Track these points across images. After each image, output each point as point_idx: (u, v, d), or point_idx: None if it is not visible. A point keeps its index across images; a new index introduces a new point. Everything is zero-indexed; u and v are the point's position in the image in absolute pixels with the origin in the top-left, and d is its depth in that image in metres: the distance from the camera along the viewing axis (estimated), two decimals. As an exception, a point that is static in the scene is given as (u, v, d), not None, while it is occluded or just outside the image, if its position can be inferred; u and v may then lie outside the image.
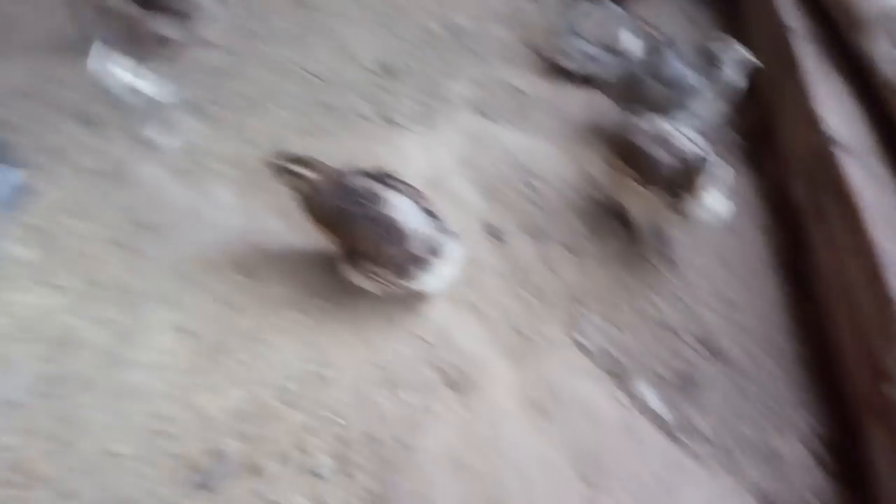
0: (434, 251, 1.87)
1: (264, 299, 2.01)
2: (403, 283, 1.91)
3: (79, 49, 2.80)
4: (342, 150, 2.52)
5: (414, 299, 2.03)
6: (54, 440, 1.67)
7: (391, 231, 1.86)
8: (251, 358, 1.87)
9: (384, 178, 1.95)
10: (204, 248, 2.15)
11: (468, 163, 2.58)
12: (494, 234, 2.32)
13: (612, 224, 2.37)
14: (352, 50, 3.07)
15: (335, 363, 1.89)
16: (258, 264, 2.12)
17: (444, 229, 1.91)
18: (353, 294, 2.00)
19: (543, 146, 2.65)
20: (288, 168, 1.98)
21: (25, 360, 1.81)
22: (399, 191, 1.92)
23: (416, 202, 1.92)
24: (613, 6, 2.78)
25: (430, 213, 1.92)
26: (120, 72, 1.75)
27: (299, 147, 2.44)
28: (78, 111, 2.66)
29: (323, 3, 3.37)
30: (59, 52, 2.97)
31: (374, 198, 1.89)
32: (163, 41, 2.86)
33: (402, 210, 1.87)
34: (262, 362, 1.87)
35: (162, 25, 2.84)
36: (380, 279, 1.92)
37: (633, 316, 2.11)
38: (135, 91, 2.18)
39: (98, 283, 2.03)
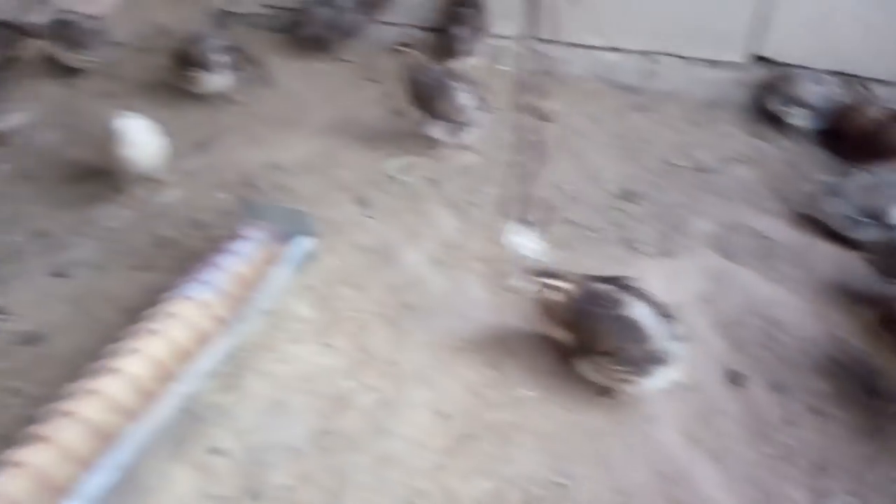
0: (666, 352, 2.03)
1: (511, 396, 2.14)
2: (638, 379, 2.04)
3: (359, 135, 3.21)
4: (583, 266, 2.64)
5: (649, 423, 2.07)
6: (325, 491, 1.86)
7: (631, 330, 2.03)
8: (498, 451, 1.99)
9: (623, 283, 2.15)
10: (457, 336, 2.33)
11: (707, 300, 2.60)
12: (734, 378, 2.31)
13: (860, 390, 2.28)
14: (594, 171, 3.24)
15: (576, 477, 1.95)
16: (504, 360, 2.26)
17: (677, 332, 2.07)
18: (592, 403, 2.09)
19: (787, 297, 2.62)
20: (542, 282, 2.15)
21: (304, 411, 2.04)
22: (637, 295, 2.12)
23: (653, 306, 2.08)
24: (888, 175, 2.76)
25: (664, 316, 2.09)
26: (529, 244, 2.14)
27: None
28: (356, 192, 3.02)
29: (567, 120, 3.60)
30: (343, 135, 3.42)
31: (616, 300, 2.08)
32: (433, 142, 3.22)
33: (641, 312, 2.06)
34: (508, 459, 1.97)
35: (436, 130, 3.20)
36: (615, 377, 2.06)
37: (885, 497, 2.00)
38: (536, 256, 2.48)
39: (367, 350, 2.25)
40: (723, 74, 3.80)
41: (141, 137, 2.72)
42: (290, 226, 2.51)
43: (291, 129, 3.47)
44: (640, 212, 3.00)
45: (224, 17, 4.44)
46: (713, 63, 3.80)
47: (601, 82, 3.98)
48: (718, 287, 2.66)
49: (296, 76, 3.95)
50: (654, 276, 2.66)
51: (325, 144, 3.35)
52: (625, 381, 2.07)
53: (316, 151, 3.31)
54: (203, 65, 3.36)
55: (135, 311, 2.34)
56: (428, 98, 3.18)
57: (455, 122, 3.16)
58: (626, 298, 2.09)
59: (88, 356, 2.17)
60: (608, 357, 2.06)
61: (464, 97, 3.13)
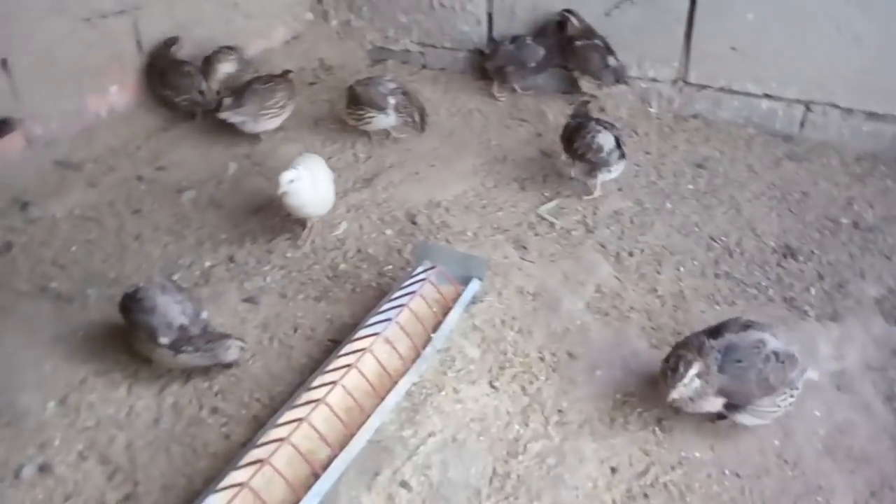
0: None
1: (679, 456, 2.16)
2: None
3: (513, 175, 3.33)
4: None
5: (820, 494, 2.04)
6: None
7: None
8: (668, 512, 2.03)
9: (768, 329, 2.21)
10: (622, 390, 2.37)
11: (878, 370, 2.53)
12: (909, 454, 2.24)
13: None
14: (753, 223, 3.21)
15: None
16: (670, 417, 2.28)
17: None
18: (764, 468, 2.08)
19: (965, 370, 2.52)
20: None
21: (479, 452, 2.15)
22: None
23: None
24: None
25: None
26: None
27: (706, 311, 2.64)
28: (513, 234, 3.13)
29: (724, 169, 3.59)
30: (496, 175, 3.54)
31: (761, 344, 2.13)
32: (583, 184, 3.29)
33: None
34: (679, 521, 2.00)
35: (577, 170, 3.28)
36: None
37: None
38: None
39: (533, 396, 2.34)
40: (883, 127, 3.69)
41: (316, 178, 2.87)
42: (464, 269, 2.65)
43: (448, 166, 3.64)
44: (801, 270, 2.95)
45: (380, 54, 4.70)
46: (873, 115, 3.69)
47: (755, 129, 3.94)
48: (887, 355, 2.59)
49: (450, 114, 4.14)
50: (821, 340, 2.62)
51: (480, 183, 3.50)
52: None
53: (472, 190, 3.45)
54: (375, 105, 3.57)
55: (318, 340, 2.55)
56: (570, 138, 3.27)
57: (594, 162, 3.22)
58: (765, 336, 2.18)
59: (278, 380, 2.39)
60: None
61: (604, 138, 3.17)
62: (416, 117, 3.65)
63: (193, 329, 2.26)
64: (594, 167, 3.25)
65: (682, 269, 2.94)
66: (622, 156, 3.23)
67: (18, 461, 2.06)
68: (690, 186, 3.47)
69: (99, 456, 2.08)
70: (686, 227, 3.18)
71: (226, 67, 3.84)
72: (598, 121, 3.31)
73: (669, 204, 3.34)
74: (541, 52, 4.09)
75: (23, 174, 3.29)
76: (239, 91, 3.60)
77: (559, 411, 2.30)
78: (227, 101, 3.56)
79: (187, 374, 2.37)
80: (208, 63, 3.86)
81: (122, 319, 2.37)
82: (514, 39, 4.13)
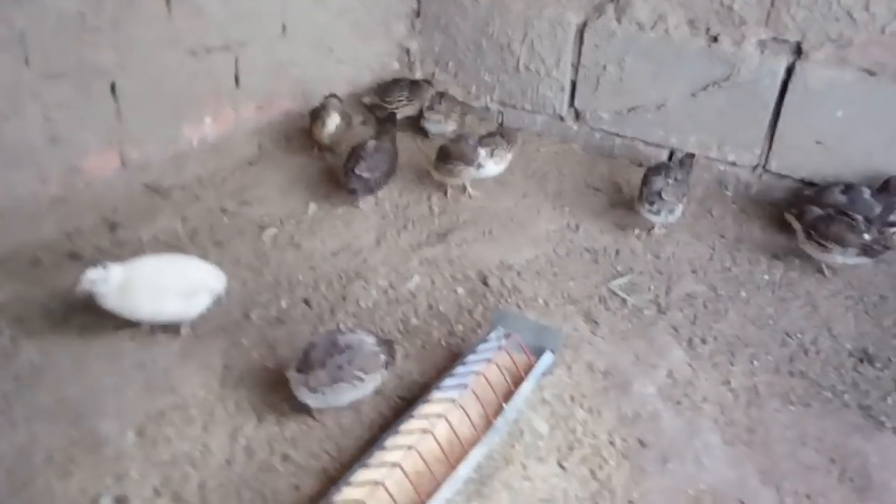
0: None
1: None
2: None
3: (585, 245, 3.32)
4: (819, 425, 2.59)
5: None
6: None
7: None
8: None
9: None
10: (695, 486, 2.32)
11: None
12: None
13: None
14: (829, 322, 3.15)
15: None
16: (742, 524, 2.23)
17: None
18: None
19: None
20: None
21: (548, 534, 2.12)
22: None
23: None
24: None
25: None
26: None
27: (780, 411, 2.58)
28: (584, 307, 3.13)
29: (800, 262, 3.54)
30: (569, 242, 3.55)
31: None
32: (657, 264, 3.27)
33: None
34: None
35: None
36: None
37: None
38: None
39: (603, 482, 2.31)
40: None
41: (134, 285, 2.52)
42: (538, 339, 2.65)
43: (521, 229, 3.66)
44: (878, 377, 2.88)
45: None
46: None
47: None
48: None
49: (525, 176, 4.19)
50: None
51: (552, 250, 3.51)
52: None
53: (544, 256, 3.46)
54: (466, 159, 3.64)
55: (387, 395, 2.56)
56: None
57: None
58: None
59: (347, 433, 2.40)
60: None
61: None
62: (502, 141, 3.79)
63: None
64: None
65: (755, 362, 2.89)
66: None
67: (96, 490, 2.09)
68: (766, 277, 3.43)
69: (173, 493, 2.11)
70: (760, 319, 3.14)
71: (335, 119, 3.94)
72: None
73: (744, 293, 3.30)
74: (877, 208, 3.45)
75: (114, 194, 3.41)
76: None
77: (630, 502, 2.25)
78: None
79: (259, 417, 2.40)
80: (319, 112, 3.98)
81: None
82: (847, 188, 3.58)
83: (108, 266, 2.45)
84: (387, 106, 4.27)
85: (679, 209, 3.55)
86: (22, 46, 2.88)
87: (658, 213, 3.50)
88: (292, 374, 2.32)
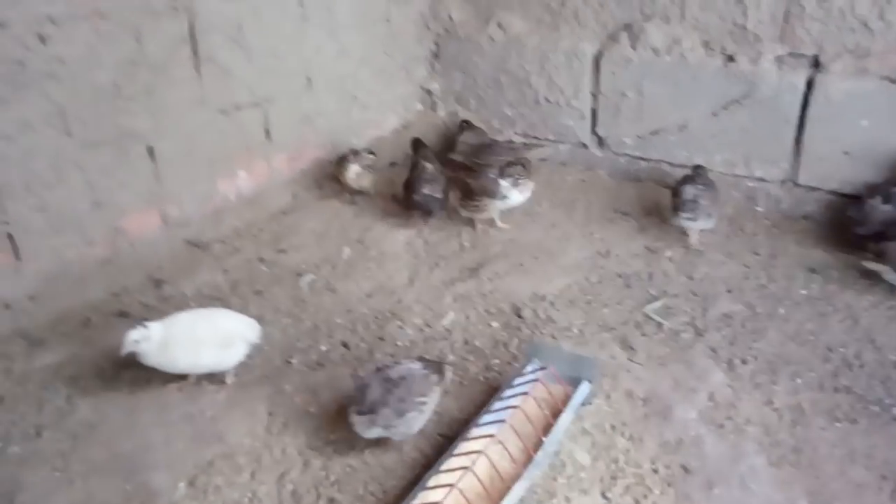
0: None
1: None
2: None
3: (616, 271, 3.33)
4: (867, 441, 2.54)
5: None
6: None
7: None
8: None
9: None
10: (743, 513, 2.30)
11: None
12: None
13: None
14: (871, 334, 3.10)
15: None
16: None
17: None
18: None
19: None
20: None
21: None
22: None
23: None
24: None
25: None
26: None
27: (826, 428, 2.54)
28: (619, 333, 3.13)
29: (838, 275, 3.49)
30: (600, 269, 3.56)
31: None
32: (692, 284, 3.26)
33: None
34: None
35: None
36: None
37: None
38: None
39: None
40: None
41: (173, 340, 2.61)
42: (575, 370, 2.66)
43: (551, 259, 3.69)
44: (926, 386, 2.81)
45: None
46: None
47: (869, 233, 3.83)
48: None
49: (552, 205, 4.23)
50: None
51: (584, 278, 3.53)
52: None
53: (576, 284, 3.48)
54: (489, 192, 3.71)
55: (428, 434, 2.59)
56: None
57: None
58: None
59: (390, 474, 2.44)
60: None
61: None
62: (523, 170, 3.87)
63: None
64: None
65: (798, 380, 2.86)
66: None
67: (152, 542, 2.16)
68: (803, 292, 3.40)
69: (225, 543, 2.16)
70: (801, 336, 3.10)
71: (356, 168, 4.09)
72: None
73: (782, 309, 3.27)
74: None
75: (157, 252, 3.55)
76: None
77: (687, 531, 2.24)
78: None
79: (305, 461, 2.46)
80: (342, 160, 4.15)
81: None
82: (889, 197, 3.44)
83: (148, 325, 2.56)
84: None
85: (715, 214, 3.64)
86: (62, 119, 3.05)
87: (695, 219, 3.57)
88: (357, 419, 2.39)
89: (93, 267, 3.29)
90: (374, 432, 2.40)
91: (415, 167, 3.97)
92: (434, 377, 2.54)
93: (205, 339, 2.64)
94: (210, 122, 3.69)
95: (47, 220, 3.10)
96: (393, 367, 2.53)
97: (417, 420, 2.45)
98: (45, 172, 3.05)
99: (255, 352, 2.86)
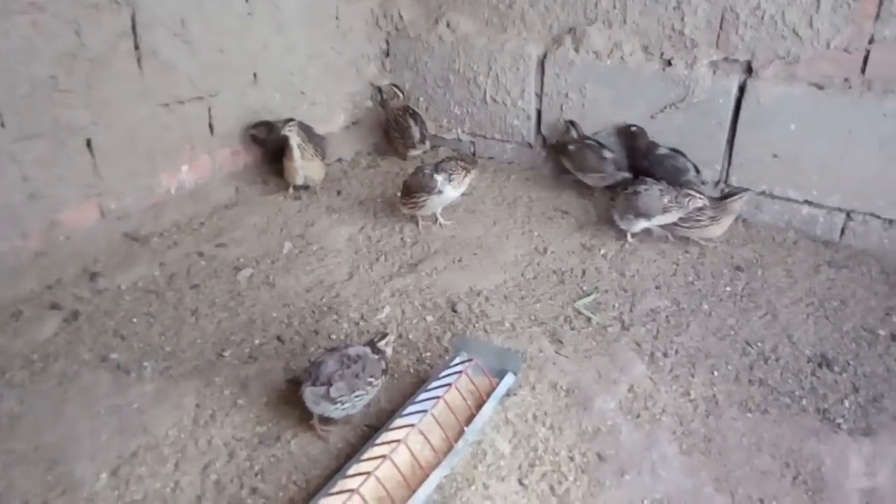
0: None
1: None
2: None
3: (552, 268, 3.41)
4: (775, 431, 2.66)
5: None
6: None
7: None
8: None
9: None
10: (651, 497, 2.40)
11: (912, 491, 2.50)
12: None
13: None
14: (789, 330, 3.23)
15: None
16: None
17: None
18: None
19: None
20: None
21: (505, 551, 2.19)
22: None
23: None
24: None
25: None
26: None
27: (738, 419, 2.66)
28: (550, 327, 3.22)
29: (762, 273, 3.63)
30: (536, 266, 3.65)
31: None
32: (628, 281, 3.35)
33: None
34: None
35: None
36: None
37: None
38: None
39: (561, 497, 2.37)
40: (927, 239, 3.70)
41: None
42: (501, 362, 2.74)
43: (490, 255, 3.77)
44: (836, 381, 2.95)
45: (433, 141, 4.93)
46: (915, 227, 3.71)
47: (795, 233, 3.99)
48: (924, 477, 2.55)
49: (495, 203, 4.31)
50: (852, 455, 2.61)
51: (520, 274, 3.61)
52: None
53: (512, 280, 3.57)
54: (427, 188, 3.78)
55: (355, 425, 2.65)
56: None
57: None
58: None
59: (315, 463, 2.49)
60: None
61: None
62: (463, 163, 3.89)
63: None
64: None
65: (716, 373, 2.97)
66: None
67: (69, 532, 2.18)
68: (728, 289, 3.53)
69: (143, 530, 2.20)
70: (722, 330, 3.22)
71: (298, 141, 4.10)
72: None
73: (706, 305, 3.40)
74: None
75: (94, 245, 3.55)
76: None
77: (586, 517, 2.33)
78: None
79: (230, 452, 2.50)
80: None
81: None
82: None
83: None
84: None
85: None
86: (-4, 111, 3.04)
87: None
88: (311, 390, 2.47)
89: (27, 260, 3.28)
90: (323, 407, 2.48)
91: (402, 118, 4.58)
92: (382, 364, 2.64)
93: None
94: (152, 115, 3.69)
95: (-20, 213, 3.10)
96: (348, 347, 2.62)
97: (362, 399, 2.55)
98: (-23, 164, 3.04)
99: (188, 345, 2.87)
